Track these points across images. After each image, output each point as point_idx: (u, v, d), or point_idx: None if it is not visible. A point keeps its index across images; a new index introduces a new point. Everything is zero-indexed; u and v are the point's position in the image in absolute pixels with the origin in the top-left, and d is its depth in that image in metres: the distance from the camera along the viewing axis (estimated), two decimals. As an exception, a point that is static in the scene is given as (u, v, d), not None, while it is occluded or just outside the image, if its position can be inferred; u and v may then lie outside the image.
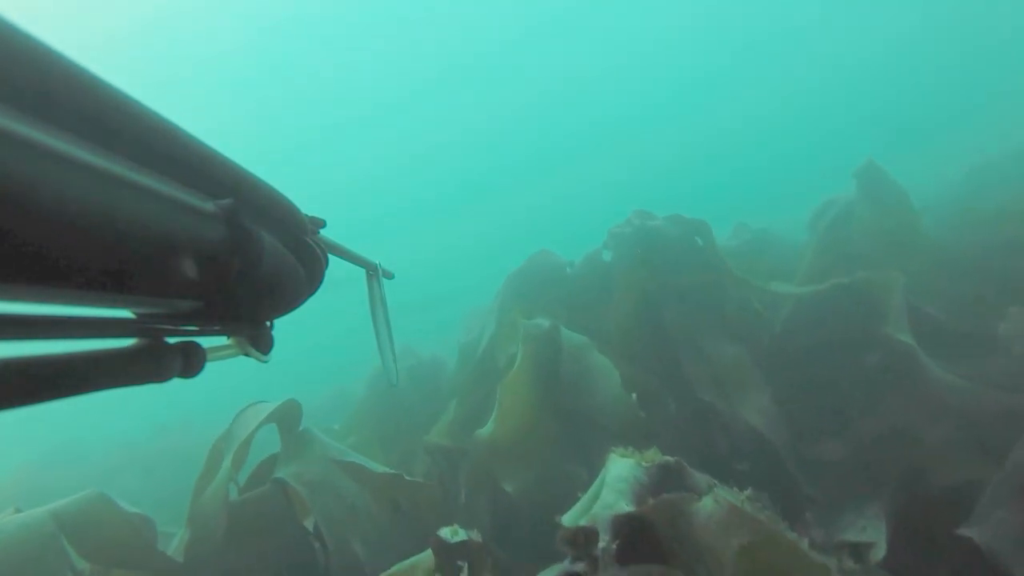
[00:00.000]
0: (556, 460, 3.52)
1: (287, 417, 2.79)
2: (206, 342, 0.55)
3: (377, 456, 4.57)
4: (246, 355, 0.64)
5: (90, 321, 0.41)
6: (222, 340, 0.61)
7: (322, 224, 0.81)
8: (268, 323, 0.66)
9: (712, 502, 1.52)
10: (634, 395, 3.53)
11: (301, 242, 0.70)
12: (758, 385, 3.94)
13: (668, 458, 1.79)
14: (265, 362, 0.67)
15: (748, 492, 2.00)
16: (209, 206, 0.48)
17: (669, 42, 32.77)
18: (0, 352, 0.33)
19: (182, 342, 0.51)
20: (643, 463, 1.81)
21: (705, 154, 32.13)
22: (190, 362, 0.51)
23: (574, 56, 33.63)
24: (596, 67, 33.93)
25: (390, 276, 1.16)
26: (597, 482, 1.92)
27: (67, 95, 0.35)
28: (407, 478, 3.02)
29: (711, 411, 3.84)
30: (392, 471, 2.96)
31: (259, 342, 0.65)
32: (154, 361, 0.46)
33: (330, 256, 0.90)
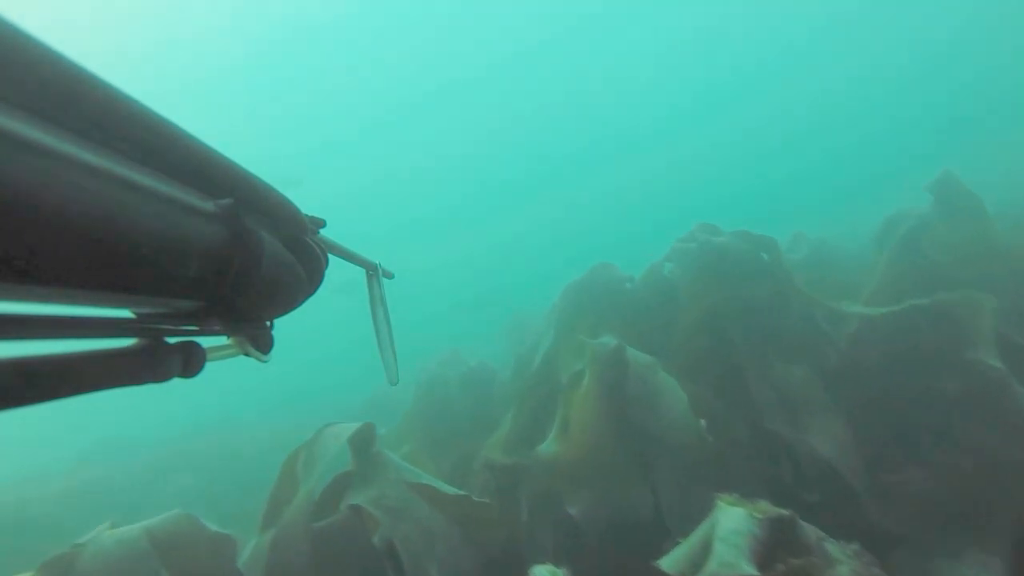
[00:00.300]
0: (621, 483, 3.45)
1: (361, 439, 2.79)
2: (206, 342, 0.55)
3: (429, 466, 4.57)
4: (246, 355, 0.64)
5: (90, 321, 0.41)
6: (222, 340, 0.61)
7: (322, 224, 0.81)
8: (268, 323, 0.66)
9: (849, 572, 1.43)
10: (703, 422, 3.43)
11: (301, 242, 0.69)
12: (828, 410, 3.79)
13: (782, 511, 1.71)
14: (265, 362, 0.67)
15: (855, 546, 1.91)
16: (209, 206, 0.49)
17: (699, 45, 31.95)
18: (0, 352, 0.33)
19: (182, 342, 0.51)
20: (756, 514, 1.73)
21: (752, 153, 31.26)
22: (190, 362, 0.51)
23: (613, 56, 33.10)
24: (633, 69, 33.29)
25: (390, 276, 1.16)
26: (703, 530, 1.85)
27: (68, 95, 0.35)
28: (475, 499, 2.99)
29: (778, 436, 3.71)
30: (462, 493, 2.94)
31: (259, 342, 0.65)
32: (154, 361, 0.46)
33: (343, 258, 0.91)
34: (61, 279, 0.33)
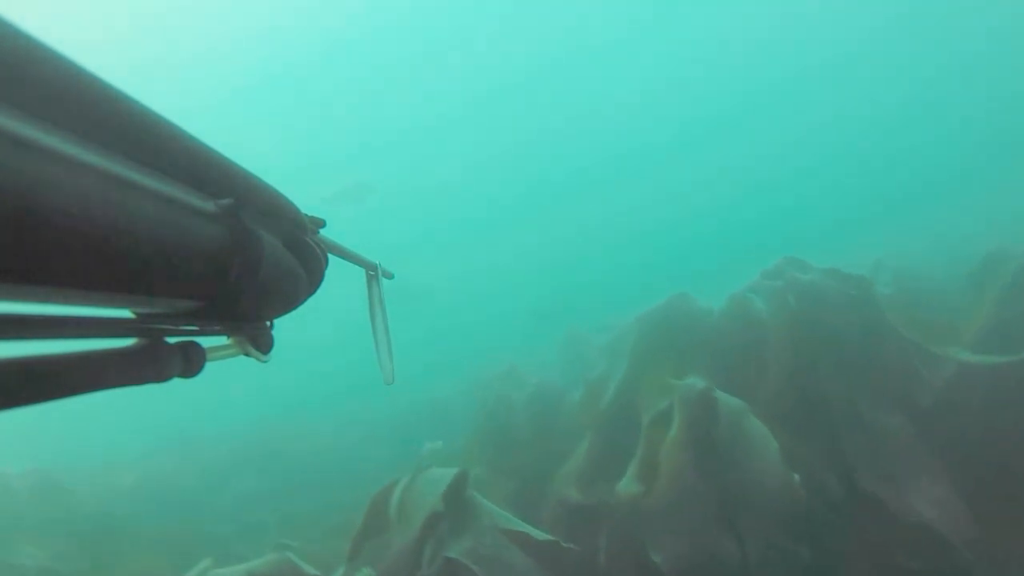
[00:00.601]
0: (707, 531, 3.32)
1: (455, 484, 2.76)
2: (206, 342, 0.55)
3: (492, 493, 4.54)
4: (246, 355, 0.64)
5: (90, 321, 0.41)
6: (222, 340, 0.61)
7: (322, 224, 0.80)
8: (269, 323, 0.66)
9: None
10: (796, 476, 3.26)
11: (301, 242, 0.69)
12: (929, 467, 3.56)
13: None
14: (265, 362, 0.66)
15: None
16: (210, 206, 0.49)
17: (745, 49, 30.58)
18: (0, 352, 0.33)
19: (182, 342, 0.51)
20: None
21: (807, 162, 30.01)
22: (190, 362, 0.51)
23: (672, 58, 32.22)
24: (691, 71, 32.25)
25: (390, 276, 1.16)
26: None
27: (68, 96, 0.35)
28: (563, 544, 2.93)
29: (873, 497, 3.50)
30: (551, 538, 2.88)
31: (259, 342, 0.65)
32: (154, 361, 0.46)
33: (343, 258, 0.92)
34: (61, 279, 0.34)
